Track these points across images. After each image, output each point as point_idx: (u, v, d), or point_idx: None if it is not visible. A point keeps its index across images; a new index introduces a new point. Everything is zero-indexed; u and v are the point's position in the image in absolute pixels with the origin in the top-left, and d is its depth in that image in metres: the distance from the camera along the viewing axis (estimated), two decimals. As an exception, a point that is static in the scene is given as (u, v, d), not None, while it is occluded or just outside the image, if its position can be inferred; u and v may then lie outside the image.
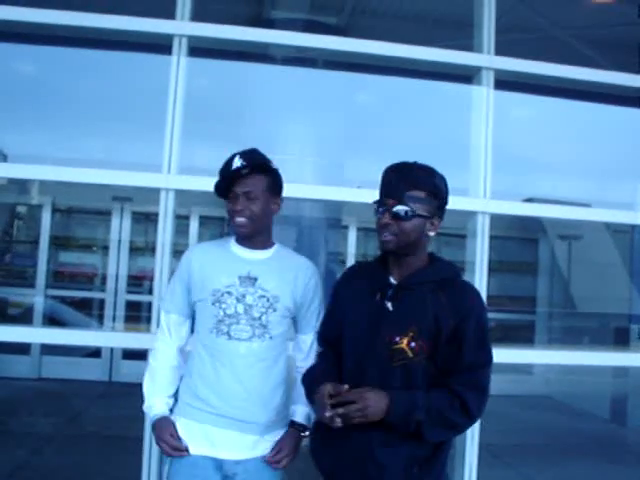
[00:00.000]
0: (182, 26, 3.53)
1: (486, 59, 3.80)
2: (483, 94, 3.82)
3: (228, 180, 2.13)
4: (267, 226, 2.24)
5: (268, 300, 2.16)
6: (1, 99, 4.57)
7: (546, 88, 4.33)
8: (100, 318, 8.12)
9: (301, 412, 2.25)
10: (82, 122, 5.42)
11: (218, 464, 2.14)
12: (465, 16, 4.24)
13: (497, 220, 3.78)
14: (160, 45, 3.50)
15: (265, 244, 2.25)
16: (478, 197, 3.69)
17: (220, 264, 2.20)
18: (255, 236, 2.21)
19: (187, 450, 2.13)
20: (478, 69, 3.78)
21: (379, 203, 1.99)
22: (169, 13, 3.53)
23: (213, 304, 2.14)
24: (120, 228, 8.19)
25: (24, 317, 7.83)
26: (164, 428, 2.16)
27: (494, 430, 4.19)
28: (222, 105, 5.06)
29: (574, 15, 5.50)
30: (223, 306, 2.14)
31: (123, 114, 5.27)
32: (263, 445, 2.20)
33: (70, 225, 8.97)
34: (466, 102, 4.07)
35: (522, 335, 8.84)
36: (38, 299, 7.78)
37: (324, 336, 2.20)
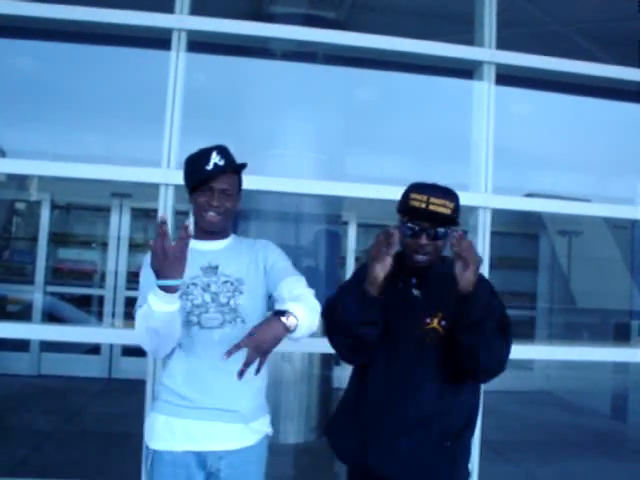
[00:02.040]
0: (181, 20, 3.52)
1: (488, 53, 3.79)
2: (484, 89, 3.82)
3: (207, 175, 2.12)
4: (230, 221, 2.27)
5: (232, 284, 2.17)
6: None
7: (546, 83, 4.32)
8: (99, 315, 8.12)
9: (288, 305, 1.94)
10: (81, 118, 5.39)
11: (201, 460, 2.12)
12: (465, 11, 4.23)
13: (497, 216, 3.78)
14: (159, 40, 3.49)
15: (223, 235, 2.28)
16: (479, 192, 3.68)
17: None
18: (220, 230, 2.24)
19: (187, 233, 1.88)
20: (480, 63, 3.77)
21: (414, 224, 2.09)
22: (168, 8, 3.51)
23: (180, 297, 2.07)
24: (119, 224, 8.17)
25: (23, 314, 7.82)
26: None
27: (494, 426, 4.20)
28: (221, 100, 5.04)
29: (574, 9, 5.47)
30: (190, 297, 2.14)
31: (122, 110, 5.24)
32: (250, 435, 2.18)
33: (69, 221, 8.94)
34: (467, 97, 4.06)
35: (522, 331, 8.82)
36: (37, 296, 7.77)
37: None
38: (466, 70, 3.99)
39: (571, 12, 5.43)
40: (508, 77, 3.93)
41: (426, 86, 4.87)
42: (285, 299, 2.05)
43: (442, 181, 2.18)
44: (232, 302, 2.16)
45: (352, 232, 8.23)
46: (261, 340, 1.82)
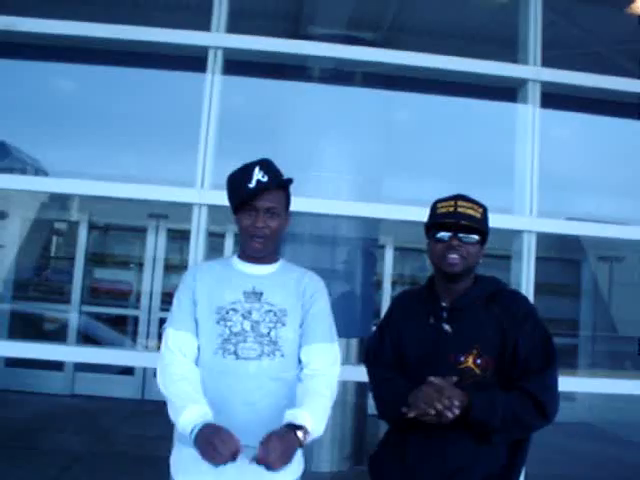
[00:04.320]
0: (218, 38, 3.49)
1: (533, 70, 3.67)
2: (529, 109, 3.71)
3: (250, 194, 1.99)
4: (278, 243, 2.16)
5: (275, 314, 2.03)
6: (40, 116, 4.59)
7: (589, 104, 4.20)
8: (134, 335, 8.12)
9: (303, 416, 1.85)
10: (117, 138, 5.42)
11: None
12: (507, 32, 4.15)
13: (538, 240, 3.65)
14: (196, 58, 3.46)
15: (271, 260, 2.14)
16: (524, 215, 3.55)
17: (223, 281, 2.08)
18: (266, 254, 2.10)
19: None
20: (524, 81, 3.66)
21: (443, 227, 2.02)
22: (204, 27, 3.48)
23: (218, 322, 2.00)
24: (155, 245, 8.20)
25: (59, 333, 7.87)
26: (210, 435, 1.79)
27: (537, 459, 4.00)
28: (258, 121, 5.01)
29: (617, 29, 5.34)
30: (229, 324, 2.01)
31: (159, 130, 5.25)
32: (281, 476, 1.91)
33: (106, 242, 9.02)
34: (509, 118, 3.99)
35: (563, 359, 8.56)
36: (73, 315, 7.81)
37: (381, 360, 2.17)
38: (509, 90, 3.89)
39: (614, 32, 5.31)
40: (552, 97, 3.82)
41: (467, 108, 4.79)
42: (303, 368, 2.04)
43: (487, 204, 2.10)
44: (273, 334, 2.02)
45: (389, 256, 8.13)
46: (275, 458, 1.74)
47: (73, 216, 8.19)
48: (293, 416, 1.85)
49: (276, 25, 5.16)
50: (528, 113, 3.70)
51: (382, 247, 7.83)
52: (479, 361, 1.96)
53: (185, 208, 3.43)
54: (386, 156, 5.66)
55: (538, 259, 3.72)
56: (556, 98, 3.93)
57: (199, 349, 2.05)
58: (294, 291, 2.09)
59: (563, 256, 8.67)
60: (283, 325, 2.03)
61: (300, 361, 2.08)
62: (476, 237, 2.02)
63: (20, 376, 6.88)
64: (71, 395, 7.46)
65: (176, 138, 5.03)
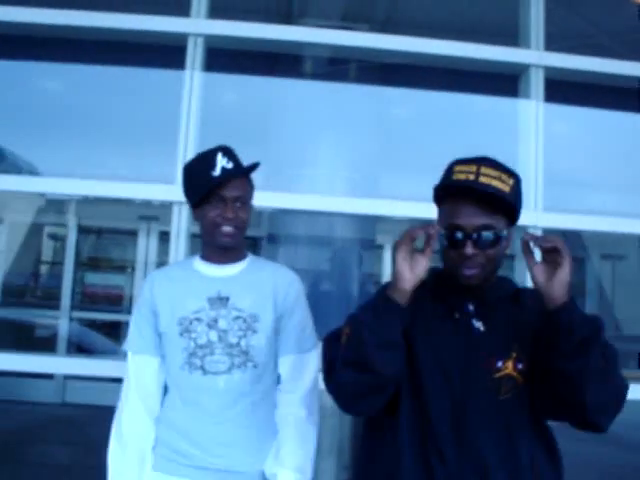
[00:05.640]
0: (198, 24, 3.28)
1: (536, 55, 3.48)
2: (532, 99, 3.57)
3: (216, 183, 1.78)
4: (244, 237, 1.93)
5: (245, 321, 1.82)
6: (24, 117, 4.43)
7: (595, 93, 4.03)
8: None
9: (285, 477, 1.78)
10: (99, 137, 5.21)
11: None
12: (507, 25, 3.98)
13: (540, 237, 3.48)
14: (175, 48, 3.25)
15: (237, 257, 1.91)
16: (529, 209, 3.36)
17: (185, 288, 1.87)
18: (235, 247, 1.88)
19: None
20: (527, 67, 3.47)
21: (452, 229, 1.54)
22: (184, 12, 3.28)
23: (181, 335, 1.81)
24: (147, 248, 8.02)
25: (49, 340, 7.68)
26: None
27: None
28: (245, 116, 4.82)
29: (619, 19, 5.19)
30: (193, 335, 1.81)
31: (139, 126, 5.05)
32: None
33: (96, 245, 8.85)
34: (511, 110, 3.84)
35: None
36: (63, 321, 7.62)
37: None
38: (511, 80, 3.71)
39: (617, 22, 5.15)
40: (556, 85, 3.63)
41: (467, 100, 4.61)
42: (282, 383, 1.89)
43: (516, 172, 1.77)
44: (243, 342, 1.81)
45: (387, 256, 7.96)
46: None
47: (62, 219, 8.01)
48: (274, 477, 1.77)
49: (266, 19, 4.99)
50: (531, 102, 3.53)
51: (380, 247, 7.67)
52: (520, 366, 1.54)
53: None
54: (383, 152, 5.49)
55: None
56: (561, 86, 3.74)
57: (166, 366, 1.87)
58: (265, 292, 1.86)
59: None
60: (254, 332, 1.82)
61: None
62: (495, 235, 1.52)
63: (8, 385, 6.67)
64: (62, 404, 7.28)
65: (156, 134, 4.84)
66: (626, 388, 1.50)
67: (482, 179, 1.50)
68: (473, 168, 1.52)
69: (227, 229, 1.81)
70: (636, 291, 8.11)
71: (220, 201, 1.80)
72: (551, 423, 1.64)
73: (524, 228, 3.38)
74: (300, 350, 1.89)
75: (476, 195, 1.51)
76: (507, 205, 1.54)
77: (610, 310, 8.86)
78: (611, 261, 9.01)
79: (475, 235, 1.51)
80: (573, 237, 6.14)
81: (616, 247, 8.25)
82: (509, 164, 1.60)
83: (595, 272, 9.05)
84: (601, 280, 9.08)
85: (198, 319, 1.82)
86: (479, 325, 1.57)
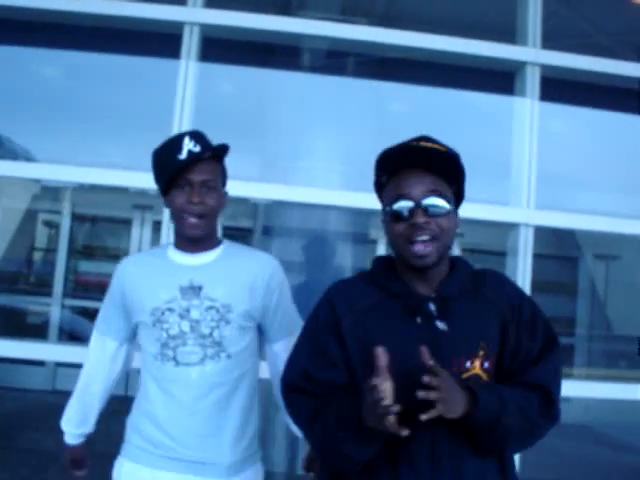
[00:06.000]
0: (194, 13, 3.27)
1: (532, 53, 3.48)
2: (527, 96, 3.56)
3: (181, 166, 1.73)
4: (216, 224, 1.89)
5: (218, 311, 1.79)
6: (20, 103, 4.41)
7: (591, 92, 4.03)
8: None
9: None
10: (95, 125, 5.19)
11: None
12: (506, 22, 3.97)
13: (534, 236, 3.48)
14: (170, 36, 3.24)
15: (210, 245, 1.87)
16: (521, 207, 3.36)
17: (156, 277, 1.85)
18: (205, 237, 1.84)
19: None
20: (523, 64, 3.47)
21: (399, 199, 1.45)
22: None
23: (154, 325, 1.80)
24: (140, 237, 7.98)
25: (41, 327, 7.66)
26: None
27: (532, 462, 3.87)
28: (241, 107, 4.81)
29: (617, 19, 5.19)
30: (165, 326, 1.79)
31: (136, 115, 5.04)
32: None
33: (90, 233, 8.81)
34: (506, 107, 3.85)
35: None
36: (55, 309, 7.60)
37: (323, 383, 1.49)
38: (507, 77, 3.71)
39: (615, 22, 5.15)
40: (552, 83, 3.63)
41: (463, 96, 4.61)
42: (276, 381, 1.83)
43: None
44: (216, 333, 1.78)
45: (380, 250, 7.94)
46: None
47: (56, 206, 7.98)
48: None
49: (264, 10, 4.97)
50: (527, 100, 3.52)
51: (374, 242, 7.65)
52: (486, 364, 1.46)
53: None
54: (378, 146, 5.47)
55: (534, 256, 3.55)
56: (556, 84, 3.74)
57: (142, 354, 1.89)
58: (241, 280, 1.83)
59: (559, 254, 8.54)
60: (227, 323, 1.79)
61: (268, 358, 1.96)
62: (447, 206, 1.45)
63: (-1, 371, 6.69)
64: (52, 391, 7.21)
65: (151, 123, 4.82)
66: (555, 421, 1.50)
67: (422, 144, 1.46)
68: (413, 143, 1.48)
69: (192, 220, 1.77)
70: (629, 292, 8.12)
71: (186, 185, 1.76)
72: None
73: (516, 226, 3.39)
74: (291, 333, 1.87)
75: (417, 158, 1.45)
76: (452, 165, 1.48)
77: (602, 310, 8.85)
78: (605, 261, 8.94)
79: (424, 202, 1.44)
80: (567, 236, 6.15)
81: (610, 247, 8.22)
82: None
83: (588, 272, 9.03)
84: (594, 280, 9.06)
85: (170, 309, 1.79)
86: (443, 326, 1.46)
